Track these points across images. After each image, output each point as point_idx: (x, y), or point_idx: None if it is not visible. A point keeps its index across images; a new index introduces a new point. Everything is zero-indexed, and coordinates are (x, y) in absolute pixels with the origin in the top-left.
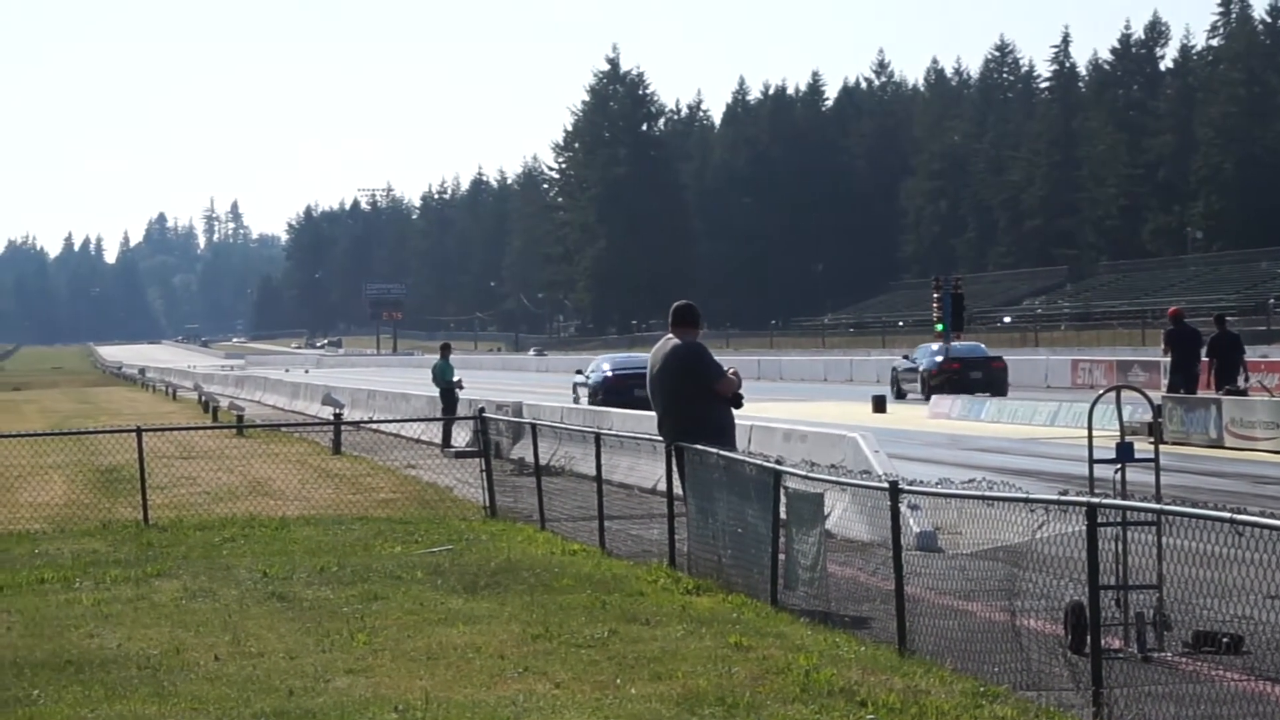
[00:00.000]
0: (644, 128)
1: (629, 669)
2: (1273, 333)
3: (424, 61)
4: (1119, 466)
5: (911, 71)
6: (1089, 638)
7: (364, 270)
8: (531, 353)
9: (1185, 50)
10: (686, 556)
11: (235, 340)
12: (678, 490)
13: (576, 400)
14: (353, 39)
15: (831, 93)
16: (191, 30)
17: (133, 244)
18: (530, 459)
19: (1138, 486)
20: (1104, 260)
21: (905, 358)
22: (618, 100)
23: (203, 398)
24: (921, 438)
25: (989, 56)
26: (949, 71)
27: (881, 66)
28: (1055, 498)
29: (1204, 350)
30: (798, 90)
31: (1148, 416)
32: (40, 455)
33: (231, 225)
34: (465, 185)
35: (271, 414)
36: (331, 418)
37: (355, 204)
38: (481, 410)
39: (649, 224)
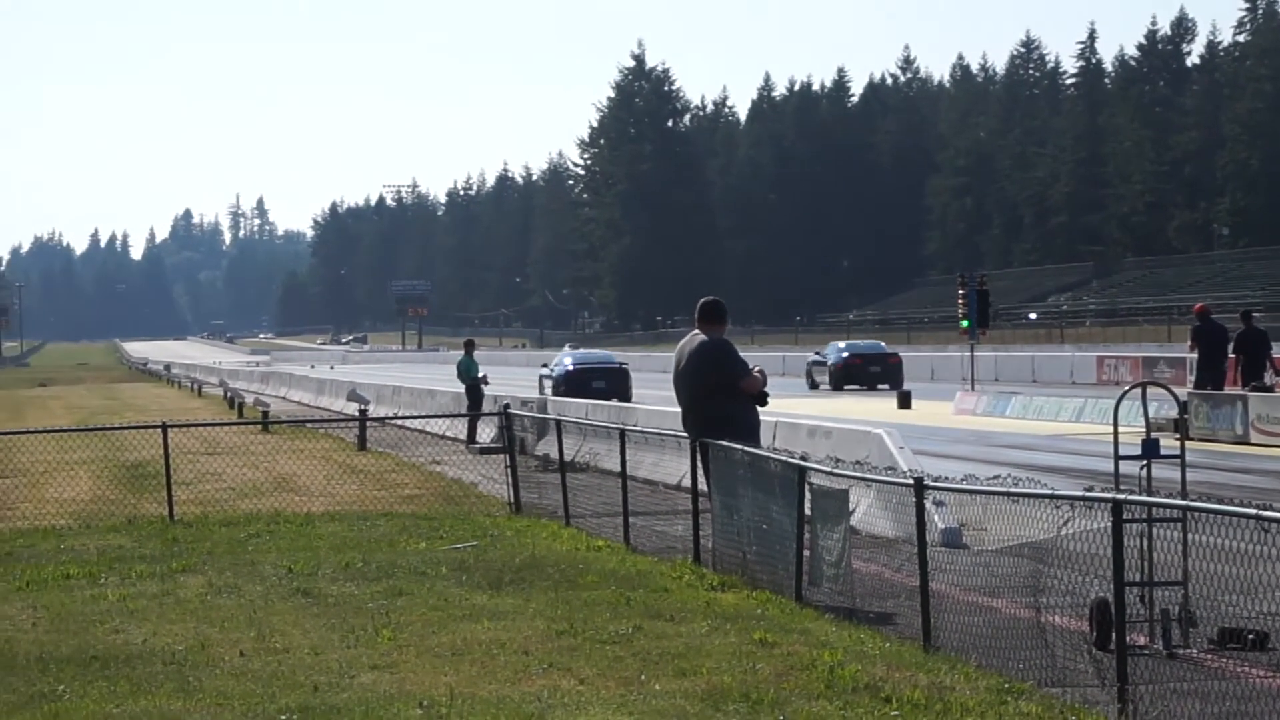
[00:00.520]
0: (669, 124)
1: (653, 665)
2: None
3: (449, 57)
4: (1145, 463)
5: (937, 68)
6: (1114, 634)
7: (389, 266)
8: (566, 348)
9: (1212, 46)
10: (711, 552)
11: (261, 336)
12: (702, 486)
13: (541, 391)
14: (378, 36)
15: (857, 89)
16: (217, 27)
17: (158, 240)
18: (555, 455)
19: (1163, 483)
20: (1129, 257)
21: (817, 354)
22: (643, 96)
23: (228, 394)
24: (946, 434)
25: (1015, 53)
26: (975, 68)
27: (907, 63)
28: (1081, 494)
29: (1230, 346)
30: (823, 86)
31: (1173, 413)
32: (66, 451)
33: (257, 221)
34: (490, 181)
35: (296, 410)
36: (356, 414)
37: (380, 200)
38: (506, 406)
39: (674, 220)
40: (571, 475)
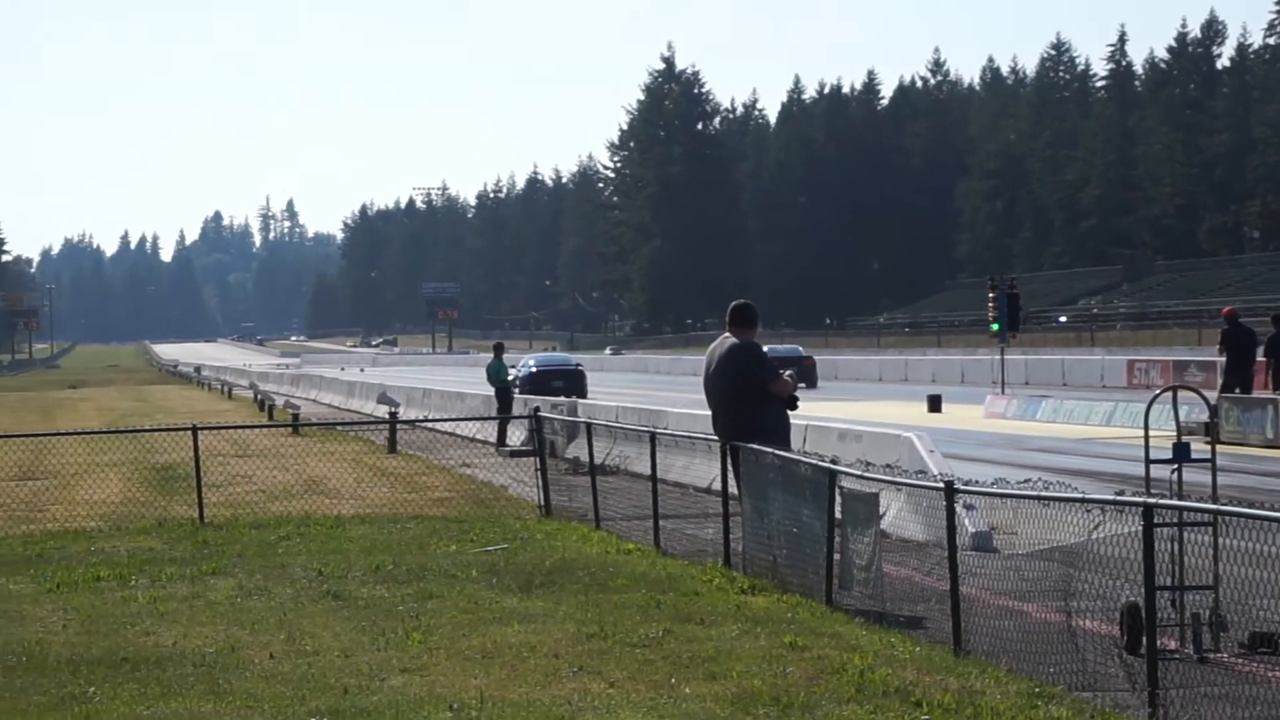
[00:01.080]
0: (699, 127)
1: (684, 668)
2: None
3: (479, 60)
4: (1175, 467)
5: (967, 70)
6: (1144, 638)
7: (419, 269)
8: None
9: (1242, 49)
10: (741, 556)
11: (291, 339)
12: (733, 490)
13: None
14: (408, 38)
15: (887, 92)
16: (248, 29)
17: (189, 242)
18: (585, 458)
19: (1194, 487)
20: (1160, 260)
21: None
22: (673, 99)
23: (258, 396)
24: (977, 438)
25: (1045, 55)
26: (1005, 70)
27: (937, 65)
28: (1111, 498)
29: (1260, 350)
30: (853, 89)
31: (1204, 417)
32: (97, 453)
33: (287, 224)
34: (520, 184)
35: (327, 412)
36: (387, 416)
37: (410, 203)
38: (536, 409)
39: (704, 223)
40: (602, 478)
